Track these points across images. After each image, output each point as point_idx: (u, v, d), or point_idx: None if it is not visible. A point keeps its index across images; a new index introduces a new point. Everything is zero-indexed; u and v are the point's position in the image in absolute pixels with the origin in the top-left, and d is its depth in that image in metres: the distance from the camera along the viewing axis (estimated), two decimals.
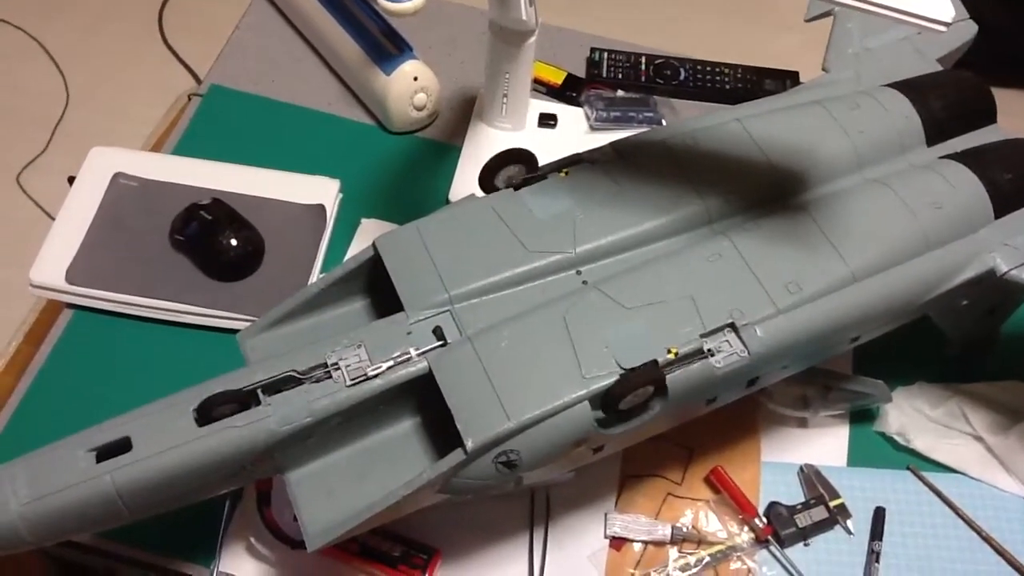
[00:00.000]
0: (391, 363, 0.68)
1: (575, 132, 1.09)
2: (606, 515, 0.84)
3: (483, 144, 1.06)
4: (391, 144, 1.09)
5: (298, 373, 0.67)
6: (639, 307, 0.70)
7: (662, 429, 0.76)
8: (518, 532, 0.84)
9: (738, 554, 0.83)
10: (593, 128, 1.10)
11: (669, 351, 0.68)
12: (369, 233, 1.00)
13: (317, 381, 0.67)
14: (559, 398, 0.66)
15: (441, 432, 0.68)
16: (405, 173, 1.07)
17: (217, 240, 0.94)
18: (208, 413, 0.65)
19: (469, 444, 0.64)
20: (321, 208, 0.99)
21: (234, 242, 0.94)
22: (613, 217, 0.75)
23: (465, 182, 1.02)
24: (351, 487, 0.69)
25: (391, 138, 1.10)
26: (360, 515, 0.66)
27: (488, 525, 0.83)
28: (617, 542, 0.83)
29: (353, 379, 0.67)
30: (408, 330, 0.69)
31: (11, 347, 1.14)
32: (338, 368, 0.67)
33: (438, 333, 0.69)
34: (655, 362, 0.67)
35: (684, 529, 0.83)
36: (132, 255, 0.95)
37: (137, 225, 0.97)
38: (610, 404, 0.66)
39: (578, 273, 0.73)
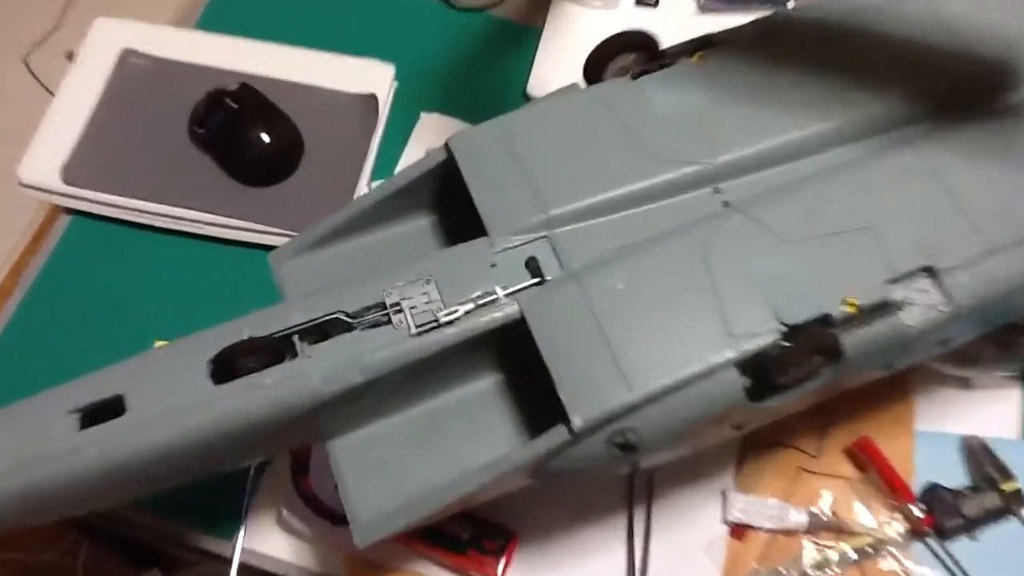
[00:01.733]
0: (471, 306, 0.54)
1: (681, 14, 0.93)
2: (724, 494, 0.69)
3: (568, 26, 0.92)
4: (456, 23, 0.96)
5: (348, 315, 0.54)
6: (801, 240, 0.55)
7: (820, 400, 0.60)
8: (614, 514, 0.70)
9: (890, 549, 0.67)
10: (703, 9, 0.93)
11: (845, 302, 0.53)
12: (430, 130, 0.88)
13: (373, 326, 0.54)
14: (699, 362, 0.51)
15: (529, 394, 0.56)
16: (473, 59, 0.94)
17: (246, 135, 0.83)
18: (228, 366, 0.52)
19: (577, 421, 0.50)
20: (372, 98, 0.87)
21: (266, 138, 0.83)
22: (762, 118, 0.60)
23: (546, 72, 0.89)
24: (413, 463, 0.56)
25: (457, 16, 0.96)
26: (424, 505, 0.53)
27: (577, 505, 0.70)
28: (739, 529, 0.68)
29: (420, 326, 0.53)
30: (492, 261, 0.55)
31: (15, 253, 1.07)
32: (400, 310, 0.54)
33: (532, 267, 0.55)
34: (828, 317, 0.52)
35: (823, 517, 0.67)
36: (143, 150, 0.85)
37: (149, 114, 0.87)
38: (770, 373, 0.51)
39: (717, 191, 0.58)
